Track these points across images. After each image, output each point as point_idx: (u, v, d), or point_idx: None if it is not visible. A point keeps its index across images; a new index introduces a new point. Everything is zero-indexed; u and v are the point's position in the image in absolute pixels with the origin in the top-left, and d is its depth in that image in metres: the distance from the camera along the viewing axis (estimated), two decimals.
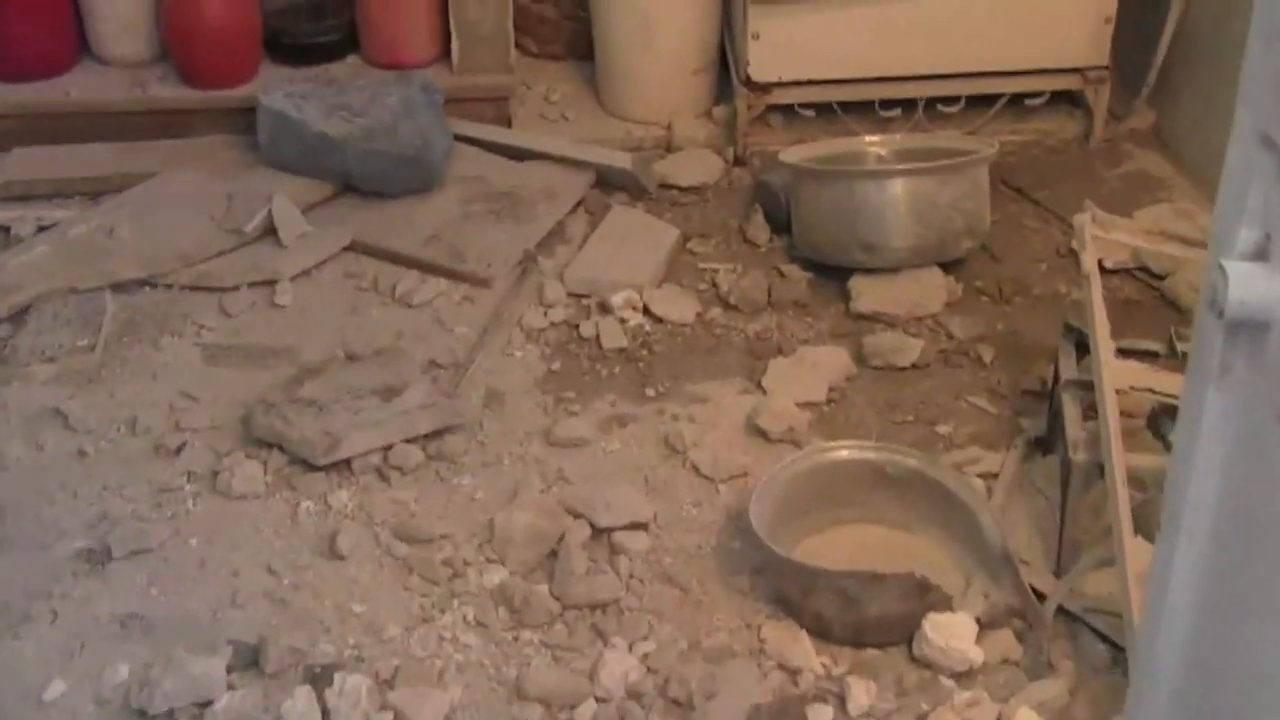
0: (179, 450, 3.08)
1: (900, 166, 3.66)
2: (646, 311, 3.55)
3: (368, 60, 4.41)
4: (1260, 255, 1.29)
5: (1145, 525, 2.60)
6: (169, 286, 3.62)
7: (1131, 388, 2.72)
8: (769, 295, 3.61)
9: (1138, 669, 1.55)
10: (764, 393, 3.28)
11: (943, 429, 3.19)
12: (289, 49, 4.39)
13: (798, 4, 4.04)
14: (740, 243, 3.88)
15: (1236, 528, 1.37)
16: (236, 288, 3.62)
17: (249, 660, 2.56)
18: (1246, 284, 1.25)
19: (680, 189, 4.12)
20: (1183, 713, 1.47)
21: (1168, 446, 2.71)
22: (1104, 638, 2.61)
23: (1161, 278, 3.62)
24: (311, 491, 2.98)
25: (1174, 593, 1.44)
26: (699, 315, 3.57)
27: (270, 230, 3.75)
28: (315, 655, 2.59)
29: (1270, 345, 1.26)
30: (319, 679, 2.51)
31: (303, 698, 2.44)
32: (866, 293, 3.57)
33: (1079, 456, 2.70)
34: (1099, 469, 2.68)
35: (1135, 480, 2.66)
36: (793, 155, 3.78)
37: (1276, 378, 1.27)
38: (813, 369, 3.34)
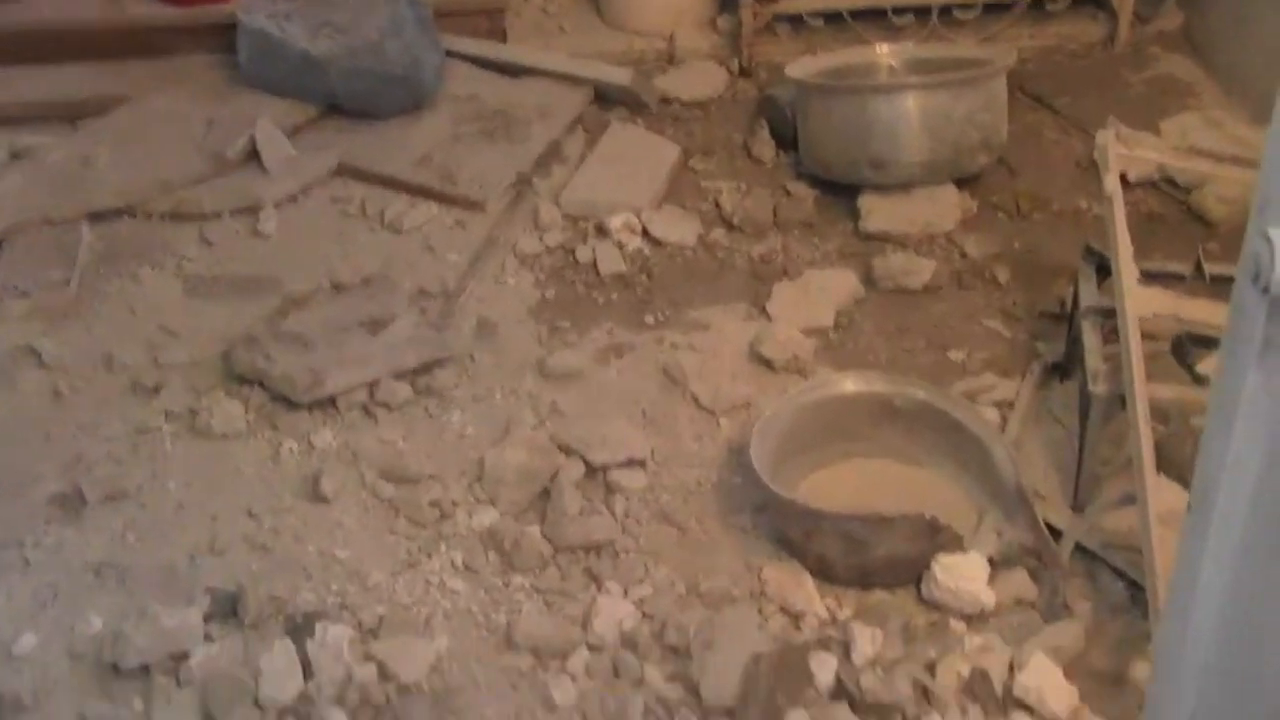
0: (157, 389, 2.95)
1: (913, 80, 3.48)
2: (645, 234, 3.40)
3: None
4: None
5: (1168, 461, 2.47)
6: (148, 216, 3.48)
7: (1155, 315, 2.55)
8: (774, 215, 3.45)
9: (1161, 658, 1.41)
10: (768, 318, 3.13)
11: (955, 355, 3.05)
12: None
13: None
14: (744, 160, 3.71)
15: (1275, 515, 1.22)
16: (218, 216, 3.48)
17: (227, 610, 2.45)
18: None
19: (682, 103, 3.95)
20: (1209, 705, 1.34)
21: (1194, 376, 2.56)
22: (1123, 576, 2.48)
23: (1188, 191, 3.45)
24: (294, 430, 2.85)
25: (1205, 579, 1.30)
26: (700, 237, 3.41)
27: (253, 155, 3.60)
28: (296, 604, 2.48)
29: None
30: (300, 629, 2.39)
31: (282, 651, 2.33)
32: (876, 211, 3.40)
33: (1099, 389, 2.55)
34: (1120, 400, 2.53)
35: (1158, 413, 2.52)
36: (800, 69, 3.60)
37: None
38: (819, 293, 3.19)
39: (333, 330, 3.03)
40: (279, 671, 2.30)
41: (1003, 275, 3.26)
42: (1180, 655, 1.37)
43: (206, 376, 2.99)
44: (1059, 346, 2.98)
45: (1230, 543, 1.30)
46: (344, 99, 3.76)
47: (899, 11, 4.08)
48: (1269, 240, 1.13)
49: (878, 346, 3.08)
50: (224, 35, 3.92)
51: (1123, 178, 3.09)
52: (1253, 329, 1.20)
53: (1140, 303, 2.57)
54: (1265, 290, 1.14)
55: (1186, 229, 3.37)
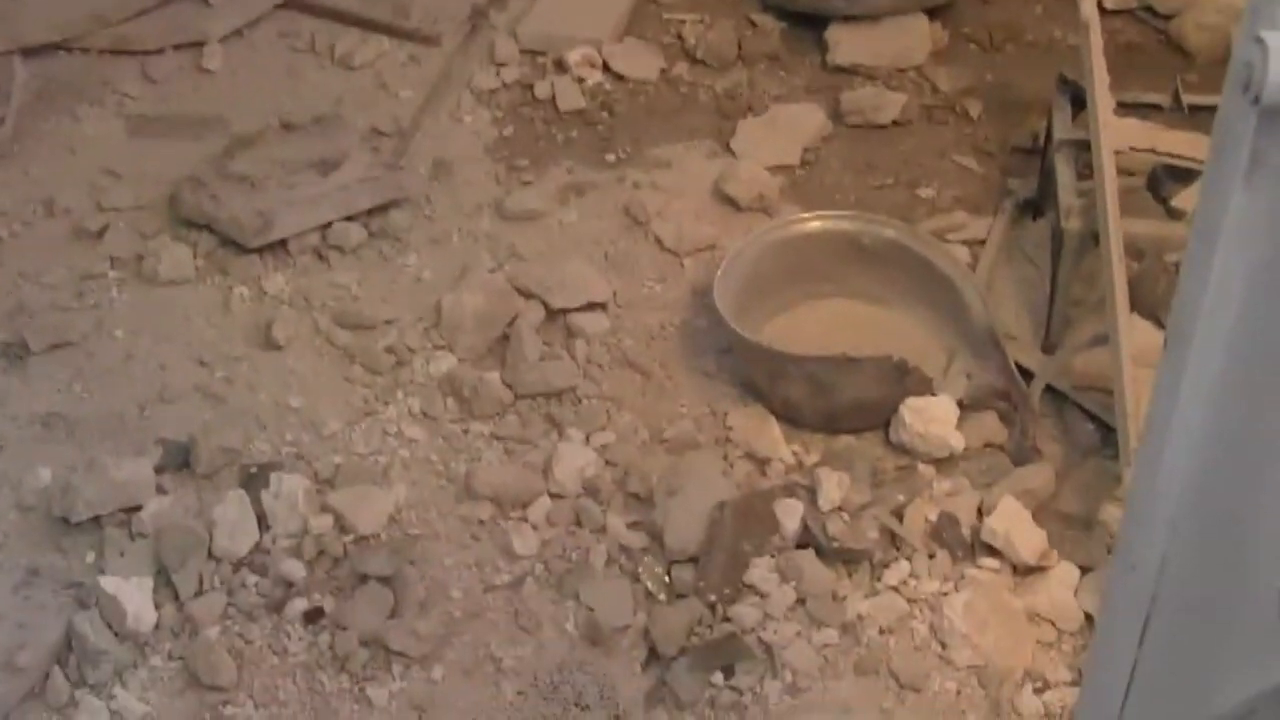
0: (101, 233, 2.84)
1: None
2: (606, 69, 3.27)
3: None
4: None
5: (1143, 298, 2.41)
6: (85, 51, 3.31)
7: (1132, 148, 2.48)
8: (739, 48, 3.33)
9: (1134, 499, 1.36)
10: (733, 156, 3.03)
11: (925, 192, 2.97)
12: None
13: None
14: None
15: (1257, 351, 1.16)
16: (160, 51, 3.32)
17: (179, 461, 2.39)
18: None
19: None
20: (1181, 548, 1.29)
21: (1169, 211, 2.49)
22: (1094, 418, 2.45)
23: (1168, 18, 3.33)
24: (245, 275, 2.76)
25: (1179, 418, 1.25)
26: (663, 72, 3.29)
27: None
28: (250, 454, 2.42)
29: None
30: (254, 480, 2.34)
31: (235, 501, 2.27)
32: (845, 43, 3.28)
33: (1072, 225, 2.48)
34: (1093, 237, 2.47)
35: (1133, 249, 2.46)
36: None
37: None
38: (786, 129, 3.08)
39: (282, 171, 2.91)
40: (233, 523, 2.25)
41: (974, 109, 3.16)
42: (1153, 497, 1.32)
43: (152, 220, 2.88)
44: (1032, 182, 2.90)
45: (1208, 379, 1.24)
46: None
47: None
48: (1262, 43, 1.04)
49: (846, 184, 3.00)
50: None
51: (1100, 5, 2.99)
52: (1240, 144, 1.11)
53: (1116, 135, 2.49)
54: (1256, 100, 1.05)
55: (1165, 59, 3.27)
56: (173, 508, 2.31)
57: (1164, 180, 2.52)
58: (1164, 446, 1.29)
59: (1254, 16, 1.09)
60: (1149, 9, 3.37)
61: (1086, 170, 2.60)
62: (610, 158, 3.05)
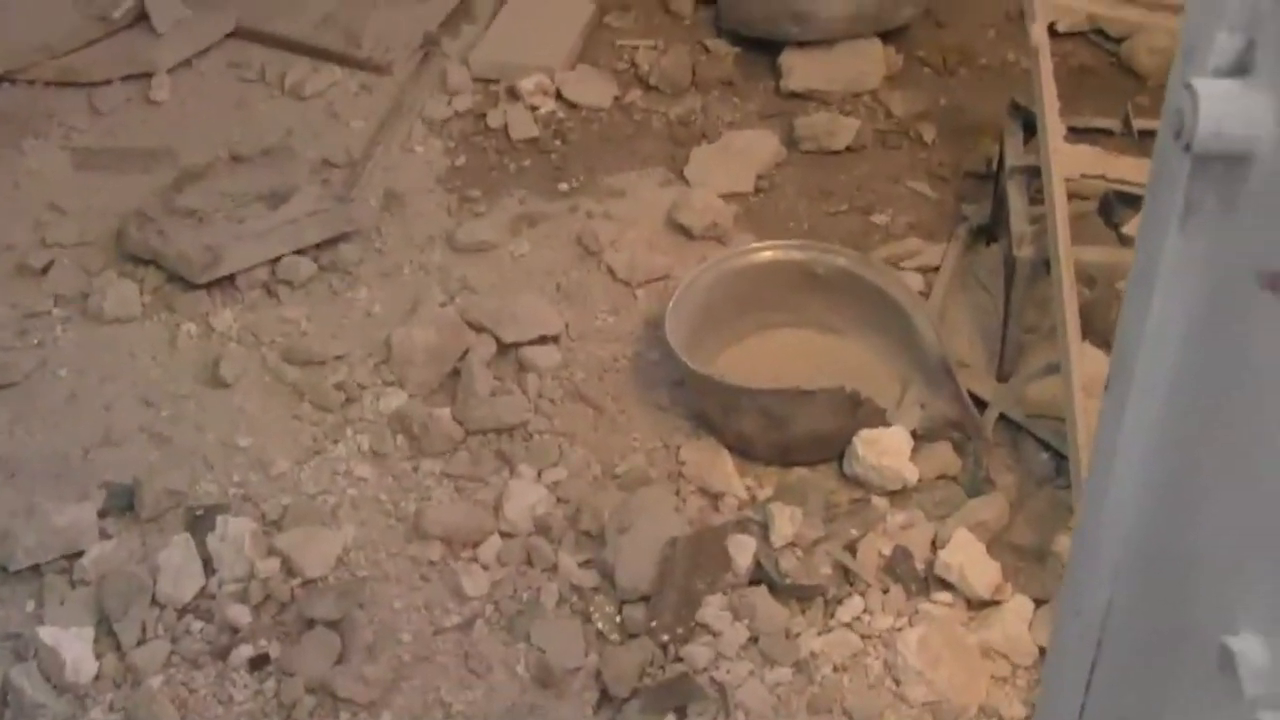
0: (45, 270, 2.80)
1: None
2: (559, 96, 3.25)
3: None
4: (1240, 69, 1.03)
5: (1095, 326, 2.41)
6: (30, 82, 3.27)
7: (1083, 175, 2.47)
8: (693, 74, 3.31)
9: (1078, 544, 1.35)
10: (687, 183, 3.01)
11: (879, 218, 2.95)
12: None
13: None
14: (662, 15, 3.54)
15: (1198, 395, 1.15)
16: (108, 82, 3.28)
17: (123, 504, 2.35)
18: (1221, 108, 0.99)
19: None
20: (1126, 593, 1.28)
21: (1121, 238, 2.49)
22: (1047, 446, 2.44)
23: (1119, 41, 3.34)
24: (192, 312, 2.72)
25: (1121, 460, 1.23)
26: (617, 99, 3.27)
27: (142, 15, 3.39)
28: (196, 496, 2.38)
29: (1250, 182, 1.02)
30: (200, 523, 2.30)
31: (180, 546, 2.24)
32: (799, 68, 3.27)
33: (1024, 253, 2.47)
34: (1045, 264, 2.46)
35: (1084, 276, 2.45)
36: None
37: (1257, 224, 1.03)
38: (740, 155, 3.07)
39: (231, 204, 2.88)
40: (178, 568, 2.22)
41: (928, 134, 3.15)
42: (1097, 543, 1.31)
43: (98, 256, 2.84)
44: (985, 208, 2.89)
45: (1149, 423, 1.22)
46: None
47: None
48: (1192, 91, 1.03)
49: (800, 211, 2.98)
50: None
51: (1052, 28, 2.99)
52: (1174, 190, 1.10)
53: (1066, 162, 2.48)
54: (1188, 147, 1.04)
55: (1117, 82, 3.27)
56: (115, 553, 2.27)
57: (1115, 206, 2.52)
58: (1107, 491, 1.27)
59: (1184, 62, 1.08)
60: (1101, 32, 3.36)
61: (1039, 196, 2.59)
62: (563, 187, 3.03)
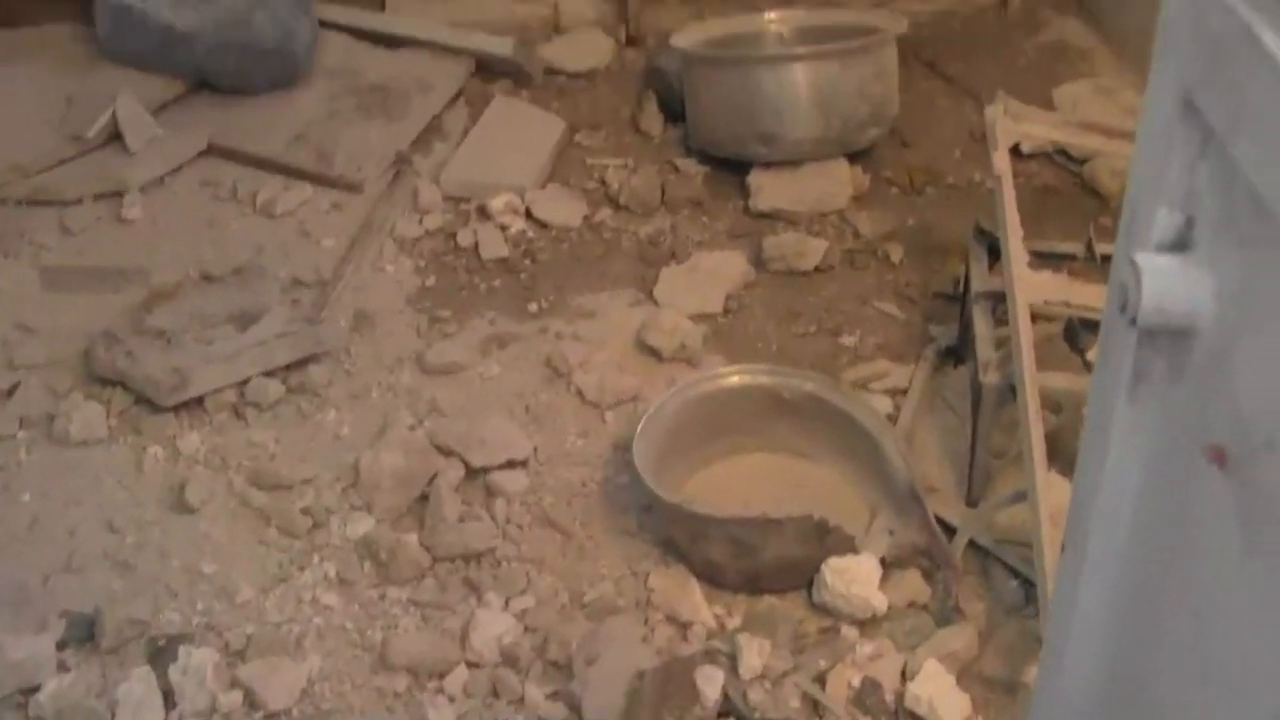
0: (12, 391, 2.79)
1: (800, 50, 3.37)
2: (529, 215, 3.27)
3: None
4: (1180, 244, 1.05)
5: (1061, 453, 2.41)
6: (2, 201, 3.28)
7: (1046, 302, 2.49)
8: (662, 194, 3.35)
9: (1039, 696, 1.35)
10: (656, 304, 3.03)
11: (847, 340, 2.97)
12: None
13: None
14: (632, 134, 3.59)
15: (1150, 555, 1.15)
16: (79, 201, 3.30)
17: (83, 635, 2.32)
18: (1164, 284, 1.01)
19: (568, 74, 3.81)
20: None
21: (1086, 365, 2.50)
22: (1017, 574, 2.43)
23: (1081, 162, 3.39)
24: (159, 435, 2.71)
25: (1079, 621, 1.24)
26: (586, 218, 3.30)
27: (115, 135, 3.41)
28: (159, 625, 2.35)
29: (1194, 356, 1.03)
30: (161, 654, 2.27)
31: (140, 679, 2.20)
32: (767, 188, 3.31)
33: (990, 379, 2.49)
34: (1012, 390, 2.47)
35: (1050, 402, 2.46)
36: (686, 38, 3.48)
37: (1200, 397, 1.04)
38: (708, 276, 3.09)
39: (200, 325, 2.89)
40: (137, 702, 2.18)
41: (895, 254, 3.18)
42: (1058, 692, 1.31)
43: (65, 377, 2.83)
44: (953, 329, 2.91)
45: (1106, 581, 1.23)
46: (212, 74, 3.58)
47: None
48: (1135, 267, 1.04)
49: (768, 332, 3.00)
50: (83, 3, 3.70)
51: (1016, 149, 3.04)
52: (1122, 360, 1.12)
53: (1030, 289, 2.50)
54: (1132, 321, 1.06)
55: (1080, 202, 3.32)
56: (74, 687, 2.23)
57: (1080, 332, 2.54)
58: (1066, 642, 1.28)
59: (1127, 237, 1.10)
60: (1064, 153, 3.42)
61: (1005, 318, 2.61)
62: (533, 307, 3.04)
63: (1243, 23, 0.89)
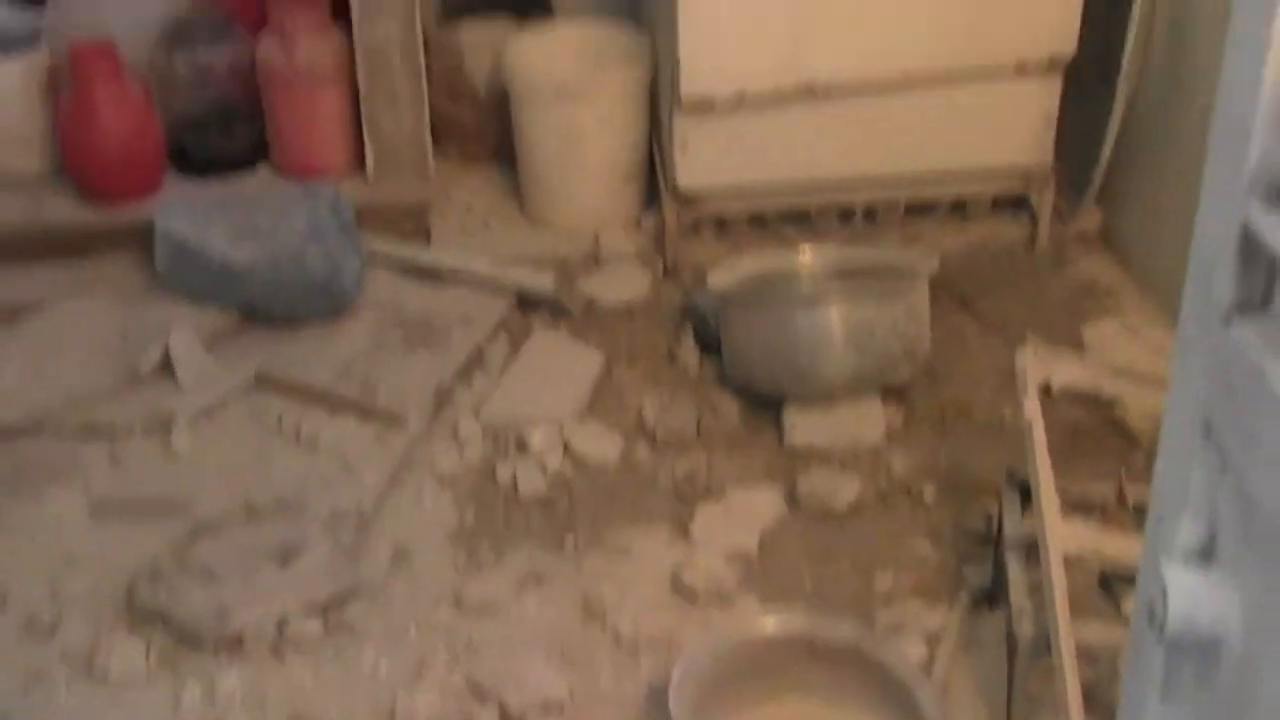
0: (54, 627, 2.83)
1: (834, 294, 3.44)
2: (567, 450, 3.33)
3: (279, 171, 4.21)
4: (1205, 554, 1.09)
5: (1100, 704, 2.40)
6: (55, 432, 3.37)
7: (1079, 553, 2.51)
8: (698, 429, 3.40)
9: None
10: (690, 542, 3.06)
11: (881, 580, 2.98)
12: (195, 161, 4.18)
13: (726, 116, 3.86)
14: (668, 368, 3.66)
15: None
16: (130, 432, 3.38)
17: None
18: (1190, 599, 1.04)
19: (607, 307, 3.91)
20: None
21: (1121, 617, 2.51)
22: None
23: (1111, 404, 3.43)
24: (198, 673, 2.73)
25: None
26: (623, 454, 3.35)
27: (167, 365, 3.52)
28: None
29: (1223, 667, 1.06)
30: None
31: None
32: (801, 425, 3.36)
33: (1024, 628, 2.49)
34: (1047, 640, 2.47)
35: (1086, 654, 2.46)
36: (721, 278, 3.59)
37: (1232, 702, 1.06)
38: (743, 515, 3.13)
39: (243, 560, 2.93)
40: None
41: (929, 493, 3.21)
42: None
43: (108, 613, 2.87)
44: (986, 570, 2.92)
45: None
46: (263, 307, 3.70)
47: (822, 213, 4.09)
48: (1163, 580, 1.08)
49: (801, 571, 3.01)
50: (146, 235, 3.84)
51: (1046, 389, 3.08)
52: (1151, 668, 1.14)
53: (1062, 539, 2.52)
54: (1161, 631, 1.09)
55: (1111, 441, 3.35)
56: None
57: (1114, 584, 2.55)
58: None
59: (1153, 548, 1.14)
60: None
61: (1039, 561, 2.62)
62: (569, 545, 3.07)
63: (1254, 364, 0.95)
